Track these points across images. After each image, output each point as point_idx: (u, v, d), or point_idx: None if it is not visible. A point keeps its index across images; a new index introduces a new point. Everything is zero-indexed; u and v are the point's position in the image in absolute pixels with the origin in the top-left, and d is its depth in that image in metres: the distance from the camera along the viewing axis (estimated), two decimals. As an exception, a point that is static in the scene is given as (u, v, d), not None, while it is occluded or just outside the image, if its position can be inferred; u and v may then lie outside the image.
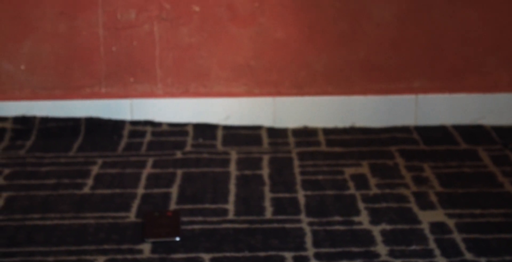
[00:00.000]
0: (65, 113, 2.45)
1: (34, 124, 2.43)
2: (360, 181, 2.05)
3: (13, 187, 2.04)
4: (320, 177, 2.07)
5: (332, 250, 1.68)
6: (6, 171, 2.14)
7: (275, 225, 1.80)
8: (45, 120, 2.44)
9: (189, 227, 1.80)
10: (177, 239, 1.74)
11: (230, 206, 1.91)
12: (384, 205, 1.90)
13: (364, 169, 2.13)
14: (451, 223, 1.80)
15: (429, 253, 1.66)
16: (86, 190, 2.02)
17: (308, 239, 1.73)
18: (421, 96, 2.45)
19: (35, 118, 2.44)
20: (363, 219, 1.83)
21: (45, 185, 2.04)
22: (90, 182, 2.06)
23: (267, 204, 1.92)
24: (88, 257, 1.67)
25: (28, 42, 2.41)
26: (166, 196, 1.97)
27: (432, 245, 1.70)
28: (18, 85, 2.45)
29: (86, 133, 2.40)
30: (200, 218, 1.84)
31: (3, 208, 1.91)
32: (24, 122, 2.43)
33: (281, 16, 2.40)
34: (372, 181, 2.05)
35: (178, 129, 2.43)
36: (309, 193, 1.98)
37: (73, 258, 1.67)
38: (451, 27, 2.41)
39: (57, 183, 2.05)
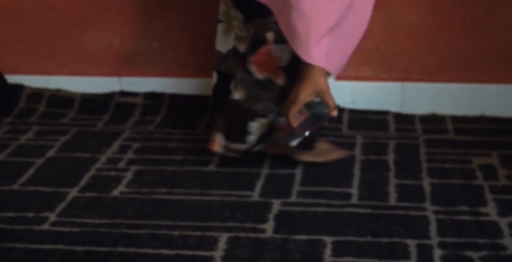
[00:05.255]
0: (194, 91, 2.49)
1: (163, 101, 2.47)
2: (489, 172, 1.99)
3: (142, 161, 2.09)
4: (447, 165, 2.03)
5: (457, 240, 1.65)
6: (136, 145, 2.20)
7: (399, 212, 1.78)
8: (175, 97, 2.48)
9: (312, 209, 1.80)
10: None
11: (354, 190, 1.90)
12: (513, 197, 1.85)
13: (493, 159, 2.07)
14: None
15: (560, 249, 1.61)
16: (212, 167, 2.04)
17: (433, 228, 1.70)
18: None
19: (165, 95, 2.49)
20: (491, 210, 1.78)
21: (173, 161, 2.09)
22: (215, 159, 2.08)
23: (392, 190, 1.90)
24: (212, 234, 1.70)
25: (161, 21, 2.46)
26: (290, 177, 1.98)
27: None
28: (150, 62, 2.50)
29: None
30: (323, 201, 1.84)
31: (132, 181, 1.97)
32: (154, 99, 2.48)
33: (413, 1, 2.35)
34: (501, 172, 1.99)
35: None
36: (435, 181, 1.94)
37: (198, 233, 1.70)
38: None
39: (184, 159, 2.09)
